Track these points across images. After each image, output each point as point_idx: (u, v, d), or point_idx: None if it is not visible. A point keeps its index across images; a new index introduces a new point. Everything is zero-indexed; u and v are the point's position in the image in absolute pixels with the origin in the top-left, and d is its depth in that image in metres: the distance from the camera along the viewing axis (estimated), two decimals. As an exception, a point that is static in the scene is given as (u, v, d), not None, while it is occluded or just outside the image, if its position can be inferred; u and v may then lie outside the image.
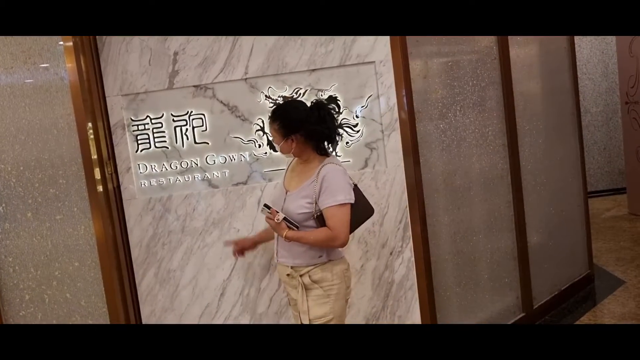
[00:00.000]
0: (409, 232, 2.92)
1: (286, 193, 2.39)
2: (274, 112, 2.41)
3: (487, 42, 3.41)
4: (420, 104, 3.04)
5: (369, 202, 2.43)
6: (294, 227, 2.29)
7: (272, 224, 2.32)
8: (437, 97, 3.19)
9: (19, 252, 2.93)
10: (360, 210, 2.36)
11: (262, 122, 2.93)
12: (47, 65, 2.83)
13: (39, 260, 2.93)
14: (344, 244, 2.29)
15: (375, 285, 2.96)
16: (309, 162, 2.39)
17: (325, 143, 2.39)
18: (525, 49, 3.72)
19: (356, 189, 2.36)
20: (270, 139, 2.88)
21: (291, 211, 2.32)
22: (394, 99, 2.87)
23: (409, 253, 2.93)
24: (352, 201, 2.30)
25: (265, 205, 2.35)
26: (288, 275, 2.40)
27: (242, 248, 2.72)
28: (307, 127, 2.31)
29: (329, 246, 2.31)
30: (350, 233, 2.33)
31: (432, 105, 3.16)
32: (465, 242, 3.34)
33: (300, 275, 2.34)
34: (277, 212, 2.31)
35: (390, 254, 2.94)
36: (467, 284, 3.34)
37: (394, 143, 2.89)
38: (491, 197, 3.46)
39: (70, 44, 2.74)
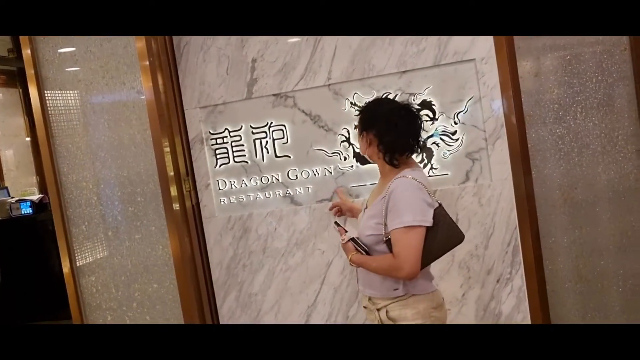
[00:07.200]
0: (519, 257, 2.49)
1: (364, 211, 2.09)
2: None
3: (614, 30, 2.89)
4: (530, 106, 2.62)
5: (456, 226, 1.98)
6: (362, 251, 1.98)
7: (342, 244, 2.06)
8: (551, 98, 2.74)
9: (101, 272, 2.87)
10: (443, 236, 1.92)
11: (348, 132, 2.65)
12: (125, 80, 2.75)
13: (119, 281, 2.86)
14: (410, 276, 1.87)
15: (479, 317, 2.55)
16: (384, 175, 2.03)
17: (396, 153, 1.95)
18: (663, 37, 3.13)
19: (439, 210, 1.93)
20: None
21: (360, 232, 2.03)
22: (499, 102, 2.48)
23: (519, 281, 2.50)
24: (427, 223, 1.87)
25: (336, 223, 2.12)
26: (365, 307, 2.11)
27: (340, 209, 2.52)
28: (380, 126, 1.94)
29: (392, 276, 1.93)
30: (428, 264, 1.92)
31: (546, 107, 2.71)
32: (590, 268, 2.83)
33: (378, 310, 2.00)
34: (346, 231, 2.05)
35: (497, 281, 2.53)
36: (593, 318, 2.82)
37: (500, 152, 2.49)
38: (622, 213, 2.91)
39: (147, 63, 2.63)
